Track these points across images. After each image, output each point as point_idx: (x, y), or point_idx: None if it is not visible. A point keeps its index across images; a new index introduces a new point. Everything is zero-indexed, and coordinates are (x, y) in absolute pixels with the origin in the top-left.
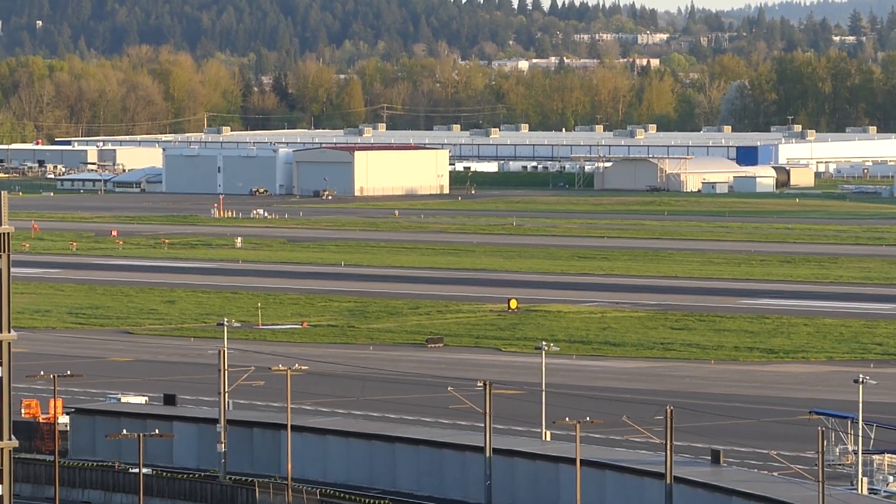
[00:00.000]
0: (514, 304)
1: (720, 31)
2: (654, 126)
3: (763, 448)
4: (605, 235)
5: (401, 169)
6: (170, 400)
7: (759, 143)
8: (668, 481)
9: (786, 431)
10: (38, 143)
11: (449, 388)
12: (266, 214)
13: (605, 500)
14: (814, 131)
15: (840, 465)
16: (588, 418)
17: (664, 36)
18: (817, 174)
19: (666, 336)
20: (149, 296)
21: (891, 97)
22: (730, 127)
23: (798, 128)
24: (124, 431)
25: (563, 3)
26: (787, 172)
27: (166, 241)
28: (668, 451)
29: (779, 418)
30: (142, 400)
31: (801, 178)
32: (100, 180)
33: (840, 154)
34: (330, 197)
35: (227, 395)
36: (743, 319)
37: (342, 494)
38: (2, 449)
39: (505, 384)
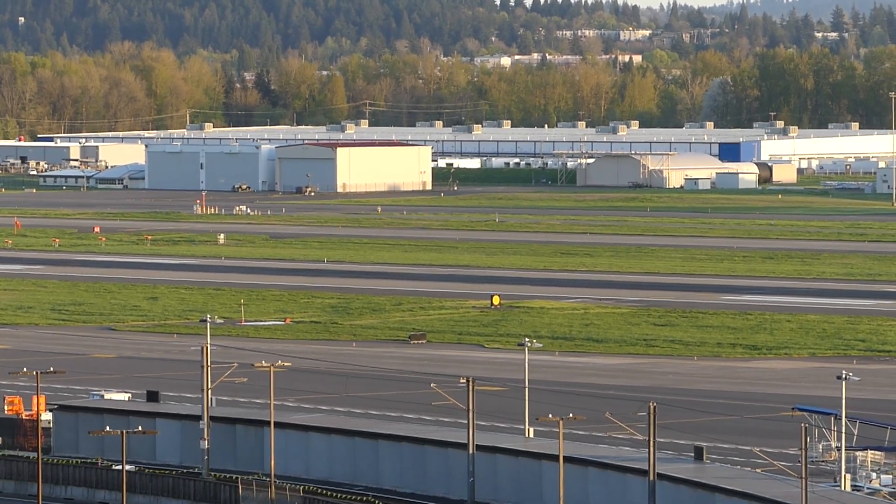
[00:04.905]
0: (496, 300)
1: (702, 27)
2: (637, 122)
3: (746, 444)
4: (587, 232)
5: (383, 165)
6: (153, 396)
7: (741, 140)
8: (651, 478)
9: (769, 428)
10: (20, 140)
11: (432, 385)
12: (249, 211)
13: (588, 496)
14: (796, 127)
15: (823, 461)
16: (571, 415)
17: (646, 32)
18: (800, 170)
19: (649, 332)
20: (131, 292)
21: (873, 93)
22: (712, 123)
23: (780, 124)
24: (107, 428)
25: None
26: (770, 169)
27: (149, 237)
28: (651, 448)
29: (762, 415)
30: (125, 396)
31: (784, 175)
32: (82, 177)
33: (822, 150)
34: (312, 193)
35: (209, 391)
36: (726, 315)
37: (325, 491)
38: None
39: (488, 380)
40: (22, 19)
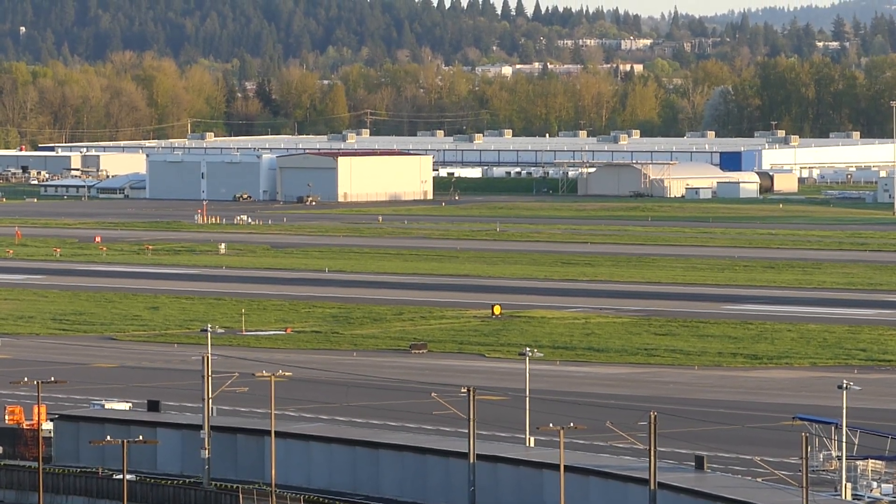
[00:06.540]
0: (497, 309)
1: (704, 36)
2: (638, 131)
3: (747, 454)
4: (588, 241)
5: (384, 175)
6: (154, 406)
7: (742, 149)
8: (652, 487)
9: (770, 437)
10: (21, 149)
11: (432, 394)
12: (250, 220)
13: None
14: (797, 137)
15: (824, 470)
16: (572, 424)
17: (648, 41)
18: (801, 180)
19: (650, 342)
20: (132, 302)
21: (874, 103)
22: (713, 132)
23: (781, 133)
24: (108, 437)
25: (547, 8)
26: (771, 178)
27: (150, 247)
28: (652, 457)
29: (763, 424)
30: (126, 406)
31: (785, 184)
32: (83, 186)
33: (823, 159)
34: (314, 203)
35: (210, 401)
36: (727, 325)
37: (326, 500)
38: None
39: (488, 390)
40: (23, 29)
